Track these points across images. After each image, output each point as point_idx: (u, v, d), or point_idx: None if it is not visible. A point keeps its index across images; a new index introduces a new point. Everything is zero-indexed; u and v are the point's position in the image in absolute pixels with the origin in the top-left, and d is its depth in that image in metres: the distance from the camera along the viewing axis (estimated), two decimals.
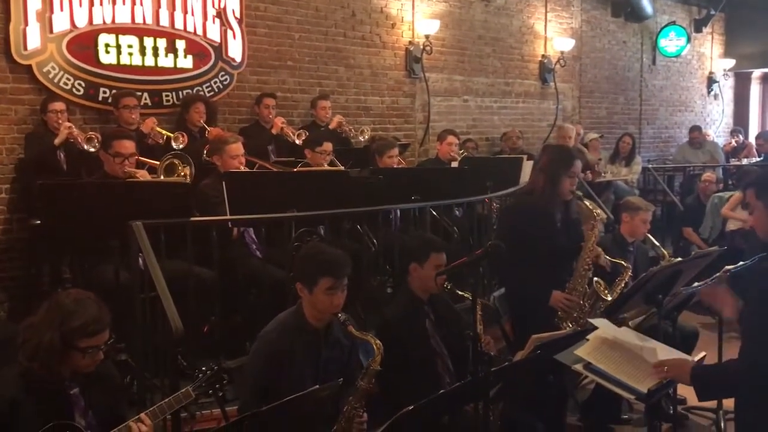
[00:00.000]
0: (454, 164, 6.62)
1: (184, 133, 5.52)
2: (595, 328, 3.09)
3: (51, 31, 5.64)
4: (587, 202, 4.09)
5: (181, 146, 5.44)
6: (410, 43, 8.27)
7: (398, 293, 3.78)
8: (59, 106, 5.41)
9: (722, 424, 4.59)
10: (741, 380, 2.65)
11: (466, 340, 3.00)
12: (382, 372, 3.41)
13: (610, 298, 3.91)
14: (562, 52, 9.92)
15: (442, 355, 3.59)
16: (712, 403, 4.71)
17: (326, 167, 5.51)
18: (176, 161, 4.83)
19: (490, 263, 4.43)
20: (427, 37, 8.24)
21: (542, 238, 3.85)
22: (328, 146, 5.62)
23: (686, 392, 4.78)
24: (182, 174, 4.74)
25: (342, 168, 5.59)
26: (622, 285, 4.29)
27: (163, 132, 5.56)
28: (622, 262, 4.43)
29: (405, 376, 3.36)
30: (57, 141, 5.15)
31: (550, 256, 3.86)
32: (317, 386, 2.71)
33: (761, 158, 10.57)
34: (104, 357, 2.69)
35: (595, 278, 3.94)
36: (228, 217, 4.30)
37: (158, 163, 4.86)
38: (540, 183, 3.96)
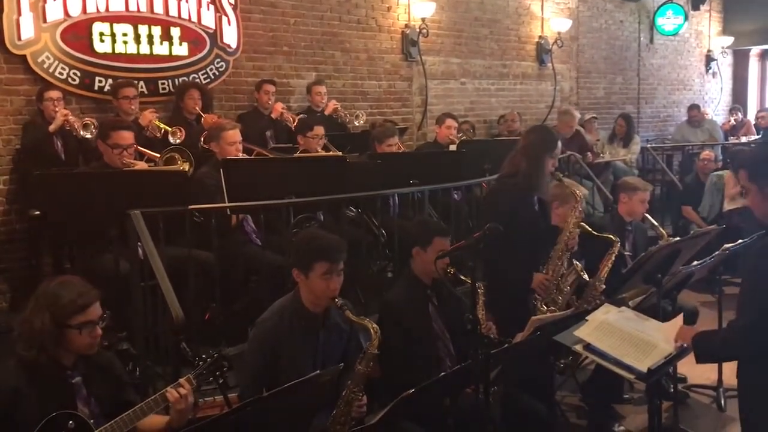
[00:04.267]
0: (452, 148, 6.61)
1: (182, 128, 5.47)
2: (594, 309, 3.10)
3: (45, 21, 5.61)
4: (568, 183, 4.08)
5: (178, 141, 5.42)
6: (406, 26, 8.22)
7: (401, 276, 3.77)
8: (55, 94, 5.40)
9: (722, 402, 4.63)
10: (735, 347, 2.71)
11: (468, 324, 3.00)
12: (384, 355, 3.43)
13: (587, 278, 3.91)
14: (559, 33, 9.87)
15: (443, 339, 3.60)
16: (712, 381, 4.74)
17: (321, 152, 5.51)
18: (176, 155, 4.83)
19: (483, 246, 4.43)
20: (423, 19, 8.20)
21: (525, 220, 3.84)
22: (319, 130, 5.63)
23: (686, 371, 4.82)
24: (181, 168, 4.73)
25: (339, 153, 5.58)
26: (612, 259, 4.28)
27: (161, 126, 5.53)
28: (610, 236, 4.40)
29: (406, 358, 3.37)
30: (52, 127, 5.14)
31: (531, 239, 3.86)
32: (318, 372, 2.72)
33: (760, 135, 10.55)
34: (107, 348, 2.70)
35: (574, 260, 3.94)
36: (226, 204, 4.30)
37: (157, 155, 4.86)
38: (523, 165, 3.91)
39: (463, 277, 3.73)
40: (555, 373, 4.11)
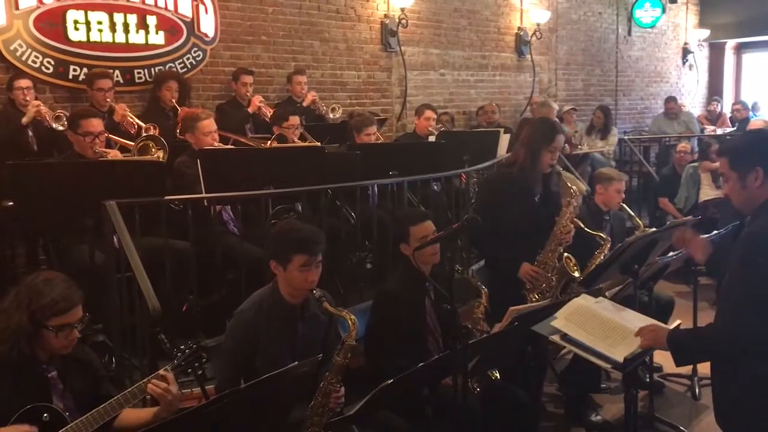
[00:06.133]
0: (432, 139, 6.61)
1: (156, 125, 5.39)
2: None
3: (17, 8, 5.50)
4: (565, 178, 4.08)
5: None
6: (385, 16, 8.19)
7: (401, 265, 3.72)
8: (25, 83, 5.30)
9: (697, 390, 4.69)
10: (717, 344, 2.65)
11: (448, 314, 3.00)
12: (373, 343, 3.42)
13: (577, 275, 3.93)
14: (538, 25, 9.89)
15: (434, 334, 3.59)
16: (687, 370, 4.80)
17: (297, 142, 5.48)
18: (150, 143, 4.76)
19: (471, 236, 4.43)
20: (402, 10, 8.17)
21: (519, 211, 3.85)
22: (294, 120, 5.60)
23: (662, 360, 4.88)
24: (156, 156, 4.67)
25: (318, 144, 5.56)
26: (601, 258, 4.32)
27: (135, 121, 5.44)
28: (601, 234, 4.47)
29: (395, 349, 3.36)
30: (25, 119, 5.04)
31: (526, 229, 3.87)
32: (296, 363, 2.71)
33: (735, 127, 10.68)
34: (82, 341, 2.67)
35: (565, 254, 3.96)
36: (203, 195, 4.26)
37: (131, 143, 4.79)
38: (521, 156, 3.93)
39: (473, 280, 3.74)
40: (547, 363, 4.14)
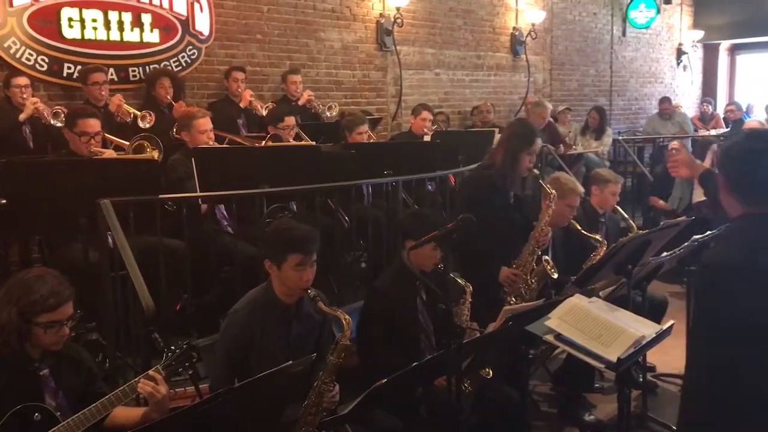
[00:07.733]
0: (427, 138, 6.61)
1: (151, 112, 5.40)
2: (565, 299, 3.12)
3: (11, 5, 5.50)
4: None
5: (148, 125, 5.35)
6: (381, 15, 8.19)
7: (391, 265, 3.72)
8: (22, 80, 5.29)
9: None
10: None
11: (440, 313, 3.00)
12: (365, 343, 3.41)
13: (556, 276, 3.94)
14: (533, 24, 9.91)
15: (427, 332, 3.59)
16: (680, 370, 4.80)
17: (293, 142, 5.48)
18: (145, 143, 4.76)
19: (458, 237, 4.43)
20: (397, 9, 8.17)
21: (496, 212, 3.86)
22: (290, 121, 5.59)
23: (655, 360, 4.89)
24: (150, 155, 4.67)
25: (313, 143, 5.55)
26: (596, 259, 4.33)
27: (131, 110, 5.45)
28: (597, 237, 4.47)
29: (387, 348, 3.36)
30: (22, 116, 5.04)
31: (503, 231, 3.88)
32: (290, 362, 2.70)
33: (729, 128, 10.72)
34: (75, 339, 2.66)
35: (544, 256, 3.97)
36: (198, 194, 4.26)
37: (126, 142, 4.79)
38: (499, 158, 3.95)
39: (456, 278, 3.74)
40: (527, 363, 4.14)
